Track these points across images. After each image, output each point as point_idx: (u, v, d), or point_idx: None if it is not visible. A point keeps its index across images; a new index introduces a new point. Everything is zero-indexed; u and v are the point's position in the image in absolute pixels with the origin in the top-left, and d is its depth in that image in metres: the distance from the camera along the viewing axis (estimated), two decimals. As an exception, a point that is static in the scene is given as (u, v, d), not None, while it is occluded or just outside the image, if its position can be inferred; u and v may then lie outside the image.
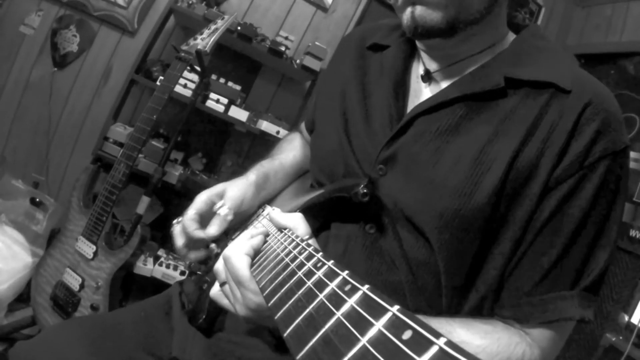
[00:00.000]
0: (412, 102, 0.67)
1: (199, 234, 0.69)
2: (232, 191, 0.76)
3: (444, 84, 0.65)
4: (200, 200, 0.73)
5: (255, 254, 0.56)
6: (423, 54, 0.70)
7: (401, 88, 0.68)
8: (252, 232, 0.60)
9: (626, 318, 1.36)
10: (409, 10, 0.59)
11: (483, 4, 0.58)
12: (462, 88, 0.61)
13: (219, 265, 0.59)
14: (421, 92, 0.68)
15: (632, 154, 1.66)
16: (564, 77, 0.57)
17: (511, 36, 0.67)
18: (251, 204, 0.78)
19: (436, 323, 0.53)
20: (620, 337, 1.36)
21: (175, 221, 0.75)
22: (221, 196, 0.75)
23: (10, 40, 2.08)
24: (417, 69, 0.70)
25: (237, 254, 0.55)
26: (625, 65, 1.84)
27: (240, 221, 0.79)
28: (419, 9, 0.58)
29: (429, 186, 0.58)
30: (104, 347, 0.66)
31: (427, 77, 0.68)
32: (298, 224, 0.59)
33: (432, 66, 0.68)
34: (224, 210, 0.73)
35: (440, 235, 0.57)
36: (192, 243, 0.72)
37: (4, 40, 2.07)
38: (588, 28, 2.32)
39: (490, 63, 0.62)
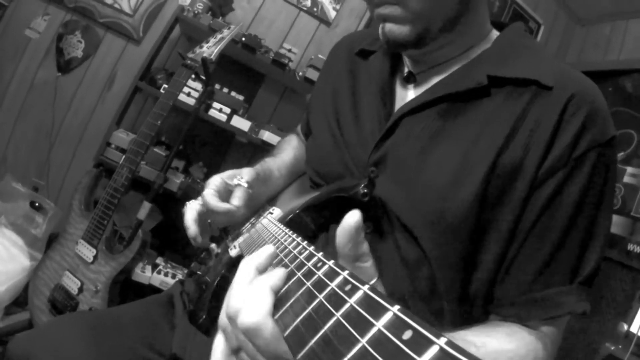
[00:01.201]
0: (399, 105, 0.68)
1: (224, 205, 0.68)
2: (247, 168, 0.76)
3: (428, 85, 0.66)
4: (215, 180, 0.73)
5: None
6: (406, 59, 0.71)
7: (388, 92, 0.69)
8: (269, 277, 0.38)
9: (625, 327, 1.36)
10: (380, 25, 0.62)
11: (451, 13, 0.60)
12: (446, 88, 0.62)
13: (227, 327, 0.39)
14: (406, 95, 0.69)
15: (630, 169, 1.67)
16: (546, 74, 0.58)
17: (494, 34, 0.68)
18: (259, 191, 0.78)
19: (470, 336, 0.53)
20: (620, 346, 1.35)
21: (189, 202, 0.75)
22: (233, 177, 0.75)
23: (16, 43, 2.09)
24: (403, 73, 0.72)
25: (263, 318, 0.33)
26: (623, 82, 1.86)
27: (249, 210, 0.79)
28: (388, 25, 0.61)
29: (416, 187, 0.59)
30: (104, 341, 0.66)
31: (412, 78, 0.69)
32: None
33: (416, 69, 0.69)
34: (244, 182, 0.73)
35: (430, 235, 0.57)
36: (203, 222, 0.72)
37: (9, 43, 2.09)
38: (587, 46, 2.34)
39: (474, 62, 0.63)
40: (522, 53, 0.62)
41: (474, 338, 0.53)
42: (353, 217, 0.41)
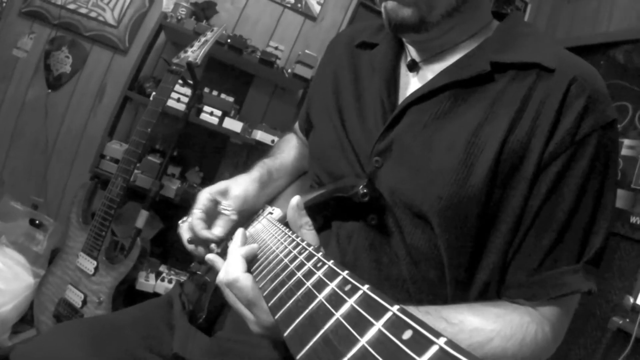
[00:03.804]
0: (403, 95, 0.68)
1: (206, 234, 0.71)
2: (235, 190, 0.77)
3: (432, 74, 0.66)
4: (204, 198, 0.74)
5: (251, 264, 0.55)
6: (409, 47, 0.71)
7: (392, 83, 0.69)
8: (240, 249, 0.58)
9: (631, 300, 1.36)
10: (383, 4, 0.62)
11: None
12: (450, 75, 0.62)
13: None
14: (410, 84, 0.69)
15: (627, 141, 1.66)
16: (547, 57, 0.58)
17: (495, 24, 0.69)
18: (254, 202, 0.79)
19: (447, 313, 0.54)
20: (627, 320, 1.36)
21: (181, 221, 0.76)
22: (224, 194, 0.77)
23: (4, 63, 2.09)
24: (406, 62, 0.72)
25: (240, 275, 0.53)
26: (614, 54, 1.84)
27: (245, 219, 0.80)
28: (390, 4, 0.61)
29: (424, 173, 0.59)
30: (105, 346, 0.66)
31: (414, 66, 0.69)
32: (305, 234, 0.58)
33: (419, 57, 0.69)
34: (228, 212, 0.75)
35: (441, 220, 0.58)
36: (199, 241, 0.74)
37: (-2, 64, 2.08)
38: (576, 21, 2.33)
39: (476, 50, 0.64)
40: (523, 39, 0.63)
41: (451, 314, 0.54)
42: (294, 200, 0.58)
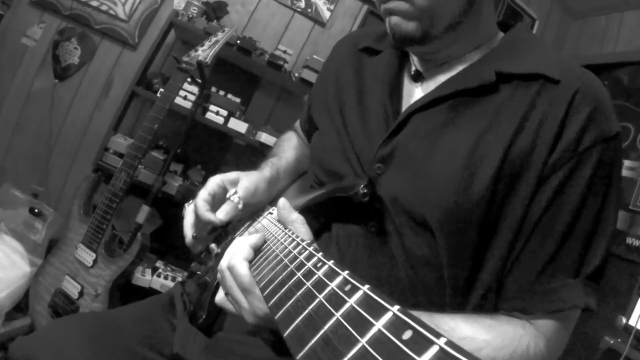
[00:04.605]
0: (407, 103, 0.68)
1: (209, 216, 0.70)
2: (246, 182, 0.77)
3: (436, 84, 0.66)
4: (214, 182, 0.74)
5: (255, 255, 0.57)
6: (414, 58, 0.72)
7: (396, 91, 0.69)
8: (249, 237, 0.60)
9: (624, 320, 1.36)
10: (387, 19, 0.63)
11: (457, 11, 0.60)
12: (455, 85, 0.62)
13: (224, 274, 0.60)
14: (414, 93, 0.69)
15: (627, 162, 1.67)
16: (552, 68, 0.58)
17: (500, 35, 0.69)
18: (261, 199, 0.79)
19: (439, 319, 0.53)
20: (619, 340, 1.36)
21: (187, 203, 0.76)
22: (234, 183, 0.76)
23: (12, 51, 2.10)
24: (410, 71, 0.72)
25: (239, 261, 0.55)
26: (619, 75, 1.86)
27: (248, 216, 0.80)
28: (394, 19, 0.62)
29: (426, 180, 0.59)
30: (104, 342, 0.66)
31: (419, 76, 0.70)
32: (298, 229, 0.59)
33: (424, 68, 0.70)
34: (236, 199, 0.74)
35: (442, 227, 0.57)
36: (201, 225, 0.73)
37: (6, 51, 2.09)
38: (583, 40, 2.35)
39: (481, 60, 0.64)
40: (528, 49, 0.63)
41: (444, 320, 0.53)
42: (280, 202, 0.63)
